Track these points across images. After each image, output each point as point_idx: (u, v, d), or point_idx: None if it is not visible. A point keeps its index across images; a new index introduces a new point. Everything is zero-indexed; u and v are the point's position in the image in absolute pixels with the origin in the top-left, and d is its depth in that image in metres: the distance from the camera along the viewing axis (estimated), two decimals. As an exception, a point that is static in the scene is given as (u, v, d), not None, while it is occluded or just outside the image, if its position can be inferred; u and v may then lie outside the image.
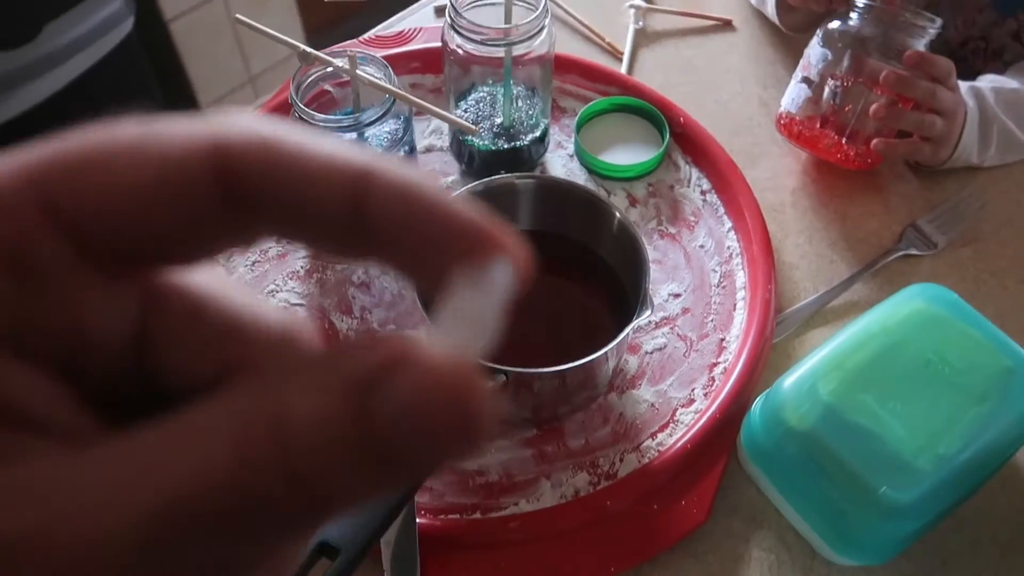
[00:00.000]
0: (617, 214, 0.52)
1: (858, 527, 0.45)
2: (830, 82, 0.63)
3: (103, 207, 0.12)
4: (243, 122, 0.13)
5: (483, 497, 0.50)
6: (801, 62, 0.65)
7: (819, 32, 0.63)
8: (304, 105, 0.55)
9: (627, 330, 0.47)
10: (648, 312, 0.47)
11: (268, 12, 1.56)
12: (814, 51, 0.63)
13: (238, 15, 0.54)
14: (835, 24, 0.62)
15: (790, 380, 0.48)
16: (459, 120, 0.51)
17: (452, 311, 0.12)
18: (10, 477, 0.11)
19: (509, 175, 0.54)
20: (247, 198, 0.13)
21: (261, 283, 0.59)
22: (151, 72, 1.42)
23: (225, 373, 0.14)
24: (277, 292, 0.59)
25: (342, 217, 0.13)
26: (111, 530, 0.11)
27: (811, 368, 0.48)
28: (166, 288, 0.15)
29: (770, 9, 0.76)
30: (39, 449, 0.12)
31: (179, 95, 1.53)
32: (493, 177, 0.54)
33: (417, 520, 0.46)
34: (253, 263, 0.61)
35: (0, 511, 0.11)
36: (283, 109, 0.67)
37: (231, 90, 1.60)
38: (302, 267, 0.60)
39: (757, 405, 0.50)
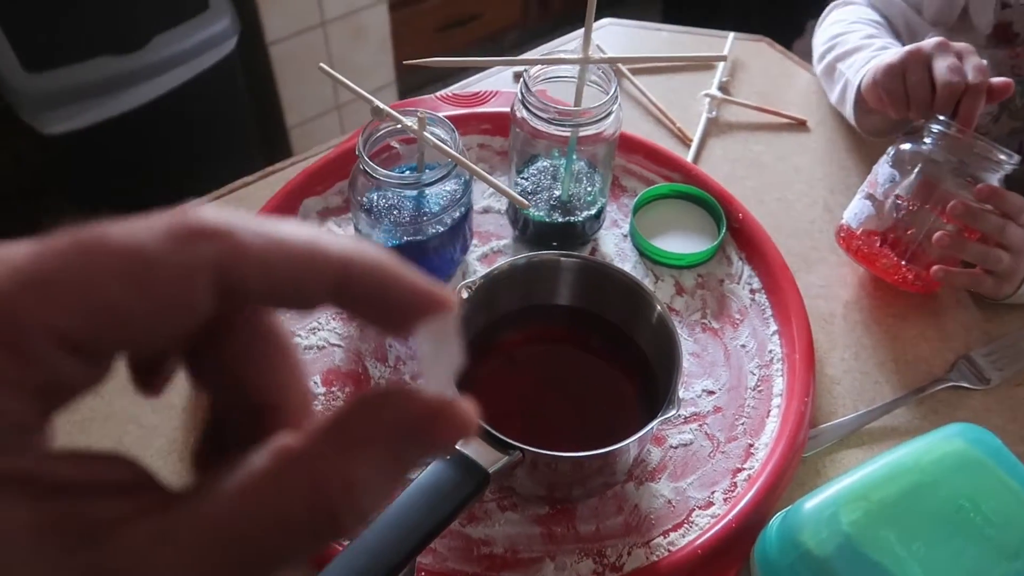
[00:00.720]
0: (658, 307, 0.52)
1: (863, 670, 0.43)
2: (895, 203, 0.62)
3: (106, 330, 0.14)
4: (245, 226, 0.15)
5: (485, 568, 0.50)
6: (868, 178, 0.64)
7: (890, 151, 0.63)
8: (369, 157, 0.57)
9: (651, 426, 0.47)
10: (674, 411, 0.47)
11: (364, 46, 1.63)
12: (882, 169, 0.63)
13: (321, 64, 0.57)
14: (907, 146, 0.62)
15: (812, 502, 0.47)
16: (513, 194, 0.52)
17: (427, 357, 0.17)
18: (120, 550, 0.14)
19: (554, 252, 0.55)
20: (238, 298, 0.15)
21: (305, 319, 0.61)
22: (245, 88, 1.49)
23: (264, 410, 0.17)
24: (318, 330, 0.61)
25: (325, 299, 0.16)
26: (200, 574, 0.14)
27: (835, 493, 0.47)
28: (263, 326, 0.17)
29: (848, 109, 0.75)
30: (136, 512, 0.14)
31: (268, 113, 1.60)
32: (538, 253, 0.55)
33: (415, 583, 0.46)
34: (301, 298, 0.62)
35: (145, 566, 0.14)
36: (348, 156, 0.69)
37: (317, 115, 1.66)
38: (346, 309, 0.62)
39: (775, 521, 0.49)
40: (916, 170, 0.60)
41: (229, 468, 0.15)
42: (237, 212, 0.15)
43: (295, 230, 0.16)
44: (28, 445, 0.14)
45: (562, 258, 0.55)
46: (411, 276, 0.16)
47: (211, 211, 0.15)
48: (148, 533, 0.14)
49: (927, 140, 0.61)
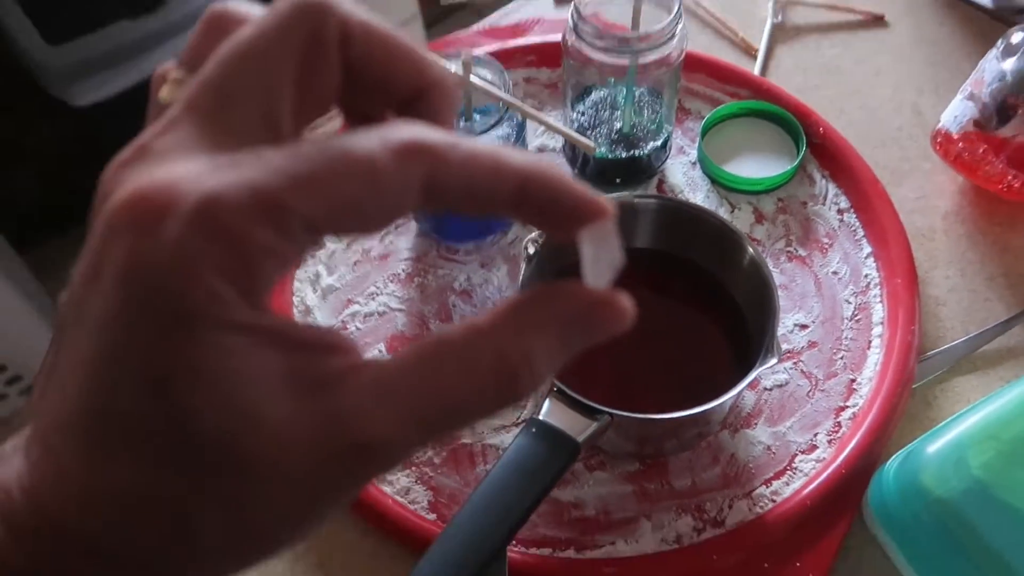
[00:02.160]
0: (750, 249, 0.48)
1: (1004, 622, 0.40)
2: (1004, 102, 0.55)
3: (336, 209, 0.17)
4: (445, 141, 0.18)
5: (579, 533, 0.47)
6: (973, 75, 0.57)
7: (999, 44, 0.56)
8: None
9: (749, 377, 0.43)
10: (774, 360, 0.43)
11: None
12: (989, 65, 0.56)
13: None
14: (1019, 36, 0.55)
15: (935, 445, 0.43)
16: (579, 138, 0.48)
17: (589, 258, 0.19)
18: (349, 399, 0.17)
19: (627, 194, 0.51)
20: (439, 199, 0.18)
21: (362, 284, 0.58)
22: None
23: (414, 97, 0.20)
24: (377, 295, 0.58)
25: (506, 204, 0.19)
26: (409, 425, 0.17)
27: (960, 433, 0.43)
28: (375, 35, 0.20)
29: None
30: (355, 364, 0.18)
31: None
32: (607, 196, 0.50)
33: (508, 553, 0.44)
34: (354, 263, 0.60)
35: (370, 412, 0.17)
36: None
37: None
38: (404, 270, 0.59)
39: (892, 465, 0.45)
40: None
41: None
42: (436, 129, 0.18)
43: (483, 145, 0.18)
44: (269, 305, 0.17)
45: (637, 200, 0.51)
46: (579, 187, 0.19)
47: (419, 129, 0.18)
48: (370, 386, 0.17)
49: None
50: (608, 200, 0.19)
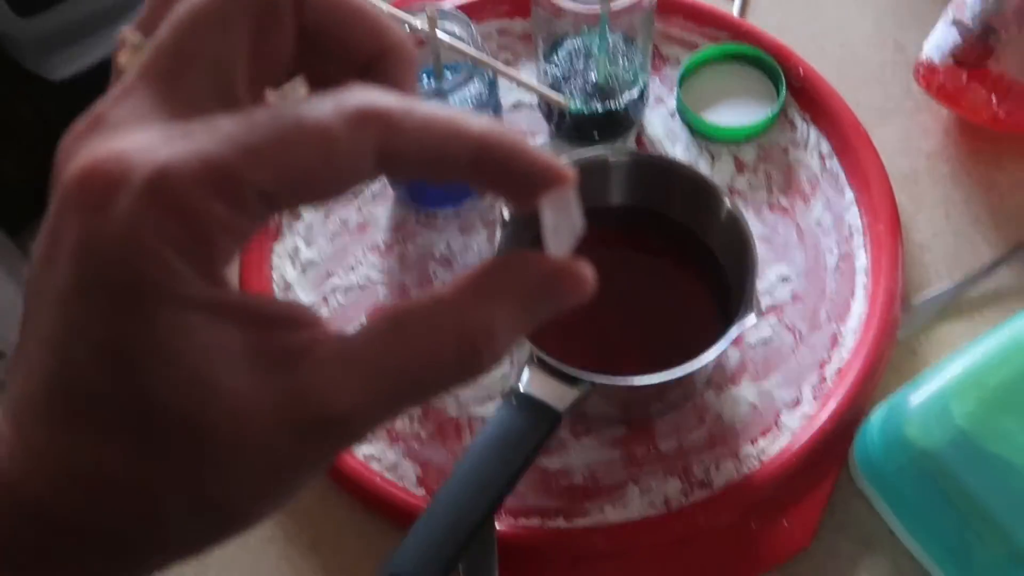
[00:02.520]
0: (727, 201, 0.47)
1: (987, 571, 0.40)
2: (988, 27, 0.53)
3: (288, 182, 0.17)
4: (399, 106, 0.17)
5: (567, 501, 0.48)
6: (955, 0, 0.55)
7: None
8: None
9: (729, 336, 0.42)
10: (753, 317, 0.42)
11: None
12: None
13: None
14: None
15: (918, 396, 0.43)
16: (551, 93, 0.46)
17: (550, 225, 0.19)
18: (312, 372, 0.17)
19: (600, 150, 0.50)
20: (394, 166, 0.18)
21: (342, 257, 0.57)
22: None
23: (373, 62, 0.20)
24: (357, 267, 0.57)
25: (463, 170, 0.18)
26: (371, 398, 0.17)
27: (944, 383, 0.43)
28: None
29: None
30: (320, 339, 0.18)
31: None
32: (581, 154, 0.50)
33: (497, 526, 0.44)
34: (333, 235, 0.58)
35: (331, 386, 0.17)
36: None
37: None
38: (383, 240, 0.58)
39: (877, 417, 0.45)
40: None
41: None
42: (392, 93, 0.18)
43: (439, 110, 0.18)
44: (229, 280, 0.17)
45: (611, 157, 0.49)
46: (538, 152, 0.19)
47: (374, 94, 0.17)
48: (332, 359, 0.17)
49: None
50: (568, 165, 0.19)
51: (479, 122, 0.18)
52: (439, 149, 0.18)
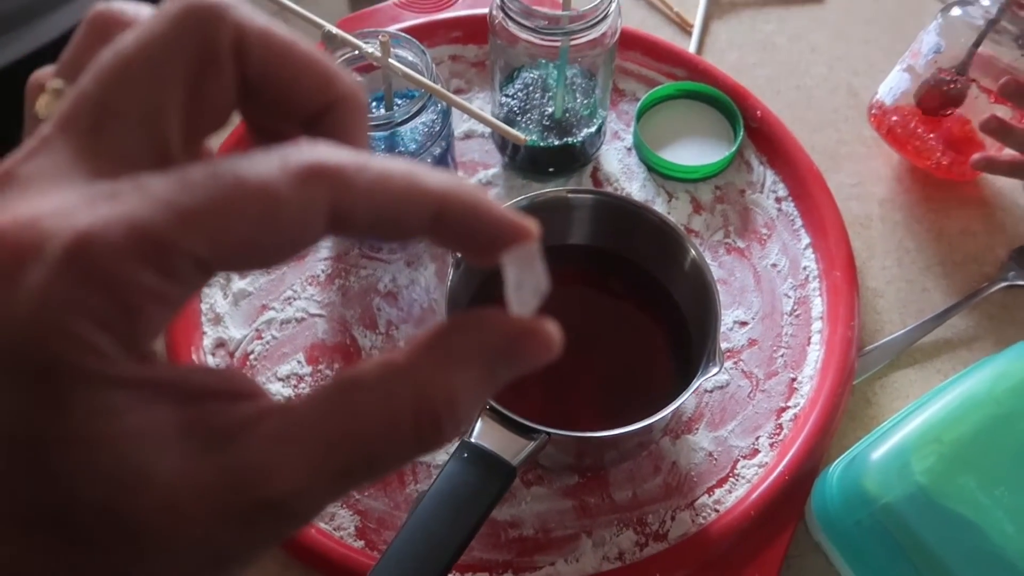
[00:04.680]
0: (692, 250, 0.46)
1: (948, 631, 0.40)
2: (939, 77, 0.55)
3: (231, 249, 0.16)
4: (353, 162, 0.16)
5: (516, 554, 0.46)
6: (912, 46, 0.57)
7: (938, 16, 0.55)
8: None
9: (691, 388, 0.42)
10: (716, 370, 0.42)
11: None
12: (928, 38, 0.55)
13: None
14: (957, 12, 0.54)
15: (877, 451, 0.43)
16: (505, 128, 0.45)
17: (513, 283, 0.18)
18: (250, 449, 0.16)
19: (561, 190, 0.48)
20: (347, 227, 0.17)
21: (278, 288, 0.55)
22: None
23: (320, 113, 0.19)
24: (295, 299, 0.54)
25: (423, 229, 0.17)
26: (318, 477, 0.16)
27: (903, 438, 0.43)
28: (275, 45, 0.18)
29: None
30: (261, 409, 0.16)
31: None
32: (541, 192, 0.48)
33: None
34: (269, 264, 0.56)
35: (273, 465, 0.16)
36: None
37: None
38: (323, 271, 0.55)
39: (835, 470, 0.45)
40: (967, 41, 0.53)
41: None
42: (343, 149, 0.17)
43: (396, 165, 0.17)
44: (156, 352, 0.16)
45: (571, 195, 0.49)
46: (500, 208, 0.18)
47: (324, 150, 0.16)
48: (272, 434, 0.16)
49: (985, 2, 0.53)
50: (532, 222, 0.18)
51: (438, 177, 0.17)
52: (397, 208, 0.17)
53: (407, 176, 0.17)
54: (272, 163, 0.16)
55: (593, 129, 0.57)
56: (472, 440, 0.40)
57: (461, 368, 0.17)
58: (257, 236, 0.15)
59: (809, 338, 0.53)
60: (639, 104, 0.61)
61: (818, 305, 0.54)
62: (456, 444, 0.40)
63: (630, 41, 0.64)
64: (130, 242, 0.14)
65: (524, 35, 0.50)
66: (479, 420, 0.41)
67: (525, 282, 0.18)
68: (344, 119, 0.19)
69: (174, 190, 0.15)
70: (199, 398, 0.16)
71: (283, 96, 0.18)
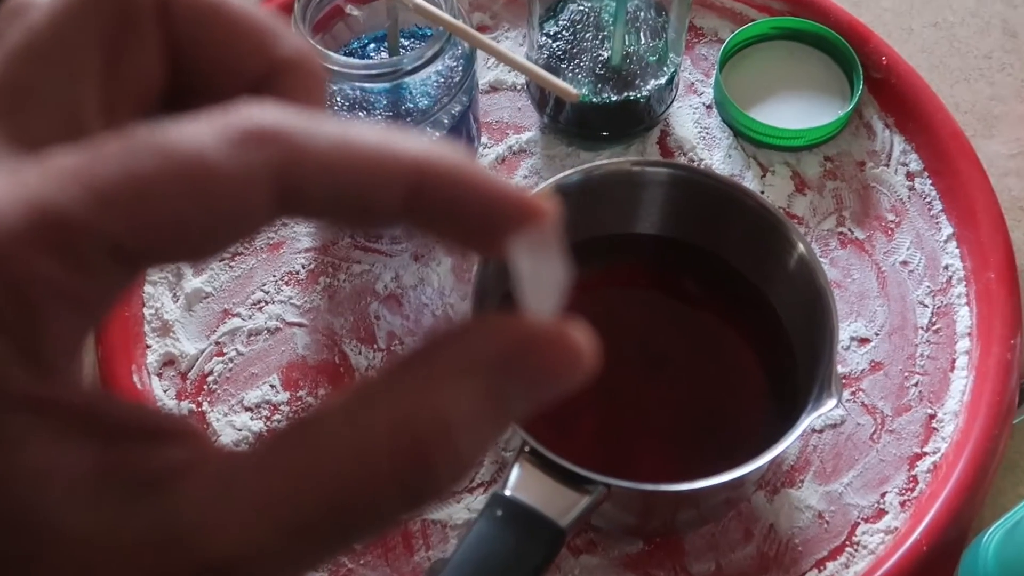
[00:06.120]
0: (800, 245, 0.47)
1: None
2: None
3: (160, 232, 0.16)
4: (305, 126, 0.17)
5: (560, 645, 0.46)
6: None
7: None
8: (313, 31, 0.50)
9: (798, 429, 0.42)
10: (832, 403, 0.42)
11: None
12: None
13: None
14: None
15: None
16: (549, 78, 0.45)
17: (526, 278, 0.18)
18: (183, 501, 0.16)
19: (622, 161, 0.50)
20: (298, 207, 0.17)
21: (245, 288, 0.55)
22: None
23: (262, 78, 0.20)
24: (266, 303, 0.55)
25: (397, 210, 0.18)
26: (268, 536, 0.16)
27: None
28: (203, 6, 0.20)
29: None
30: (197, 461, 0.17)
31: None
32: (596, 164, 0.49)
33: None
34: (232, 256, 0.56)
35: (211, 521, 0.16)
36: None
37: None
38: (304, 266, 0.56)
39: (991, 539, 0.45)
40: None
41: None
42: (295, 110, 0.17)
43: (362, 130, 0.17)
44: (74, 373, 0.17)
45: (636, 167, 0.50)
46: (498, 181, 0.18)
47: (267, 111, 0.17)
48: (211, 484, 0.16)
49: None
50: (544, 197, 0.18)
51: (414, 142, 0.18)
52: (360, 180, 0.17)
53: (372, 140, 0.17)
54: (201, 127, 0.16)
55: (662, 80, 0.58)
56: (507, 493, 0.40)
57: (456, 386, 0.17)
58: (185, 216, 0.16)
59: (953, 361, 0.53)
60: (723, 48, 0.61)
61: (965, 317, 0.54)
62: (486, 498, 0.41)
63: (711, -37, 0.64)
64: (26, 223, 0.15)
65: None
66: (516, 466, 0.41)
67: (540, 275, 0.18)
68: (289, 88, 0.20)
69: (83, 163, 0.16)
70: (121, 433, 0.17)
71: (217, 64, 0.20)
